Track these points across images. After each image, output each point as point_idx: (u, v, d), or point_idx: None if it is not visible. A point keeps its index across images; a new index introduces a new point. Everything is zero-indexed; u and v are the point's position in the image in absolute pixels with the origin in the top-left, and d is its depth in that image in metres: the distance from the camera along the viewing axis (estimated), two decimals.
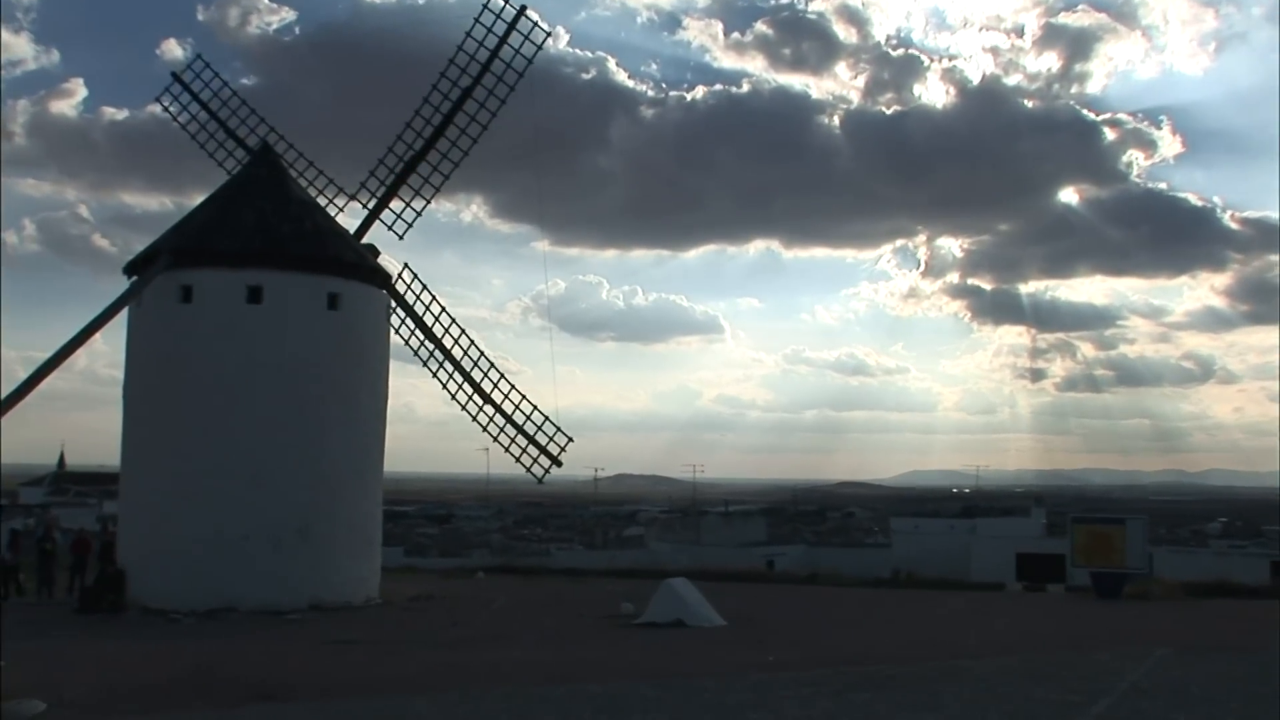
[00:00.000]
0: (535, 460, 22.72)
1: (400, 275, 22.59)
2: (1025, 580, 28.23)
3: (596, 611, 18.60)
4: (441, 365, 22.77)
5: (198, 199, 21.29)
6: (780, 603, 21.05)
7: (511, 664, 12.08)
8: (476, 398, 22.68)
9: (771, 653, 13.10)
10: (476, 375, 22.68)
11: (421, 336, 22.70)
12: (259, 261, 18.97)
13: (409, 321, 22.63)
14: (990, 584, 25.33)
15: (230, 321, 18.77)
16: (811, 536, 79.94)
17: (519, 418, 22.60)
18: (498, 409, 22.62)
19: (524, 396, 22.69)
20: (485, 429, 22.69)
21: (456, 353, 22.69)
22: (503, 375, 22.80)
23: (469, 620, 17.41)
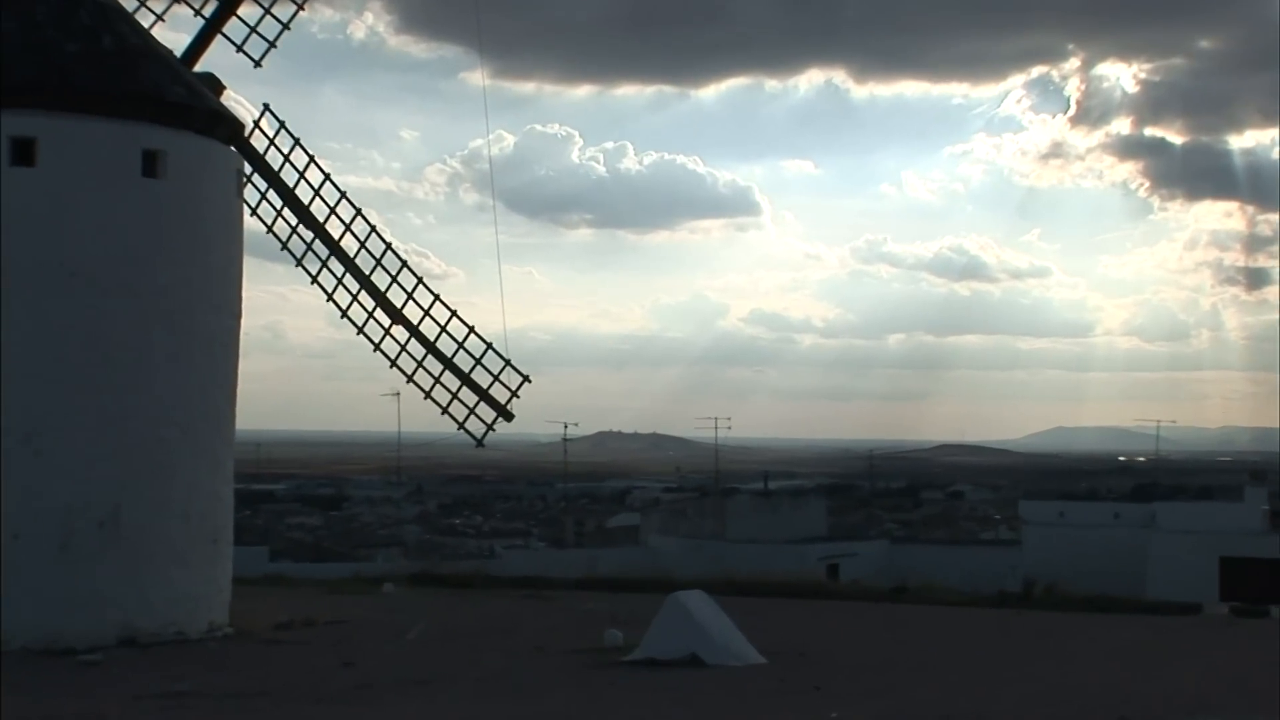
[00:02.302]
0: (472, 411, 22.66)
1: (258, 124, 22.31)
2: (1235, 600, 28.40)
3: (567, 643, 18.69)
4: (325, 265, 22.58)
5: None
6: (848, 630, 21.13)
7: None
8: (380, 315, 22.53)
9: (835, 707, 13.12)
10: (380, 281, 22.52)
11: (293, 220, 22.47)
12: (28, 99, 18.60)
13: (272, 196, 22.37)
14: (1179, 604, 25.48)
15: None
16: (897, 528, 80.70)
17: (447, 346, 22.51)
18: (413, 333, 22.49)
19: (453, 313, 22.59)
20: (394, 364, 22.59)
21: (348, 246, 22.50)
22: (421, 280, 22.64)
23: (370, 658, 17.45)
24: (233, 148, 21.11)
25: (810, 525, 50.57)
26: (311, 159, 22.42)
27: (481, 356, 22.60)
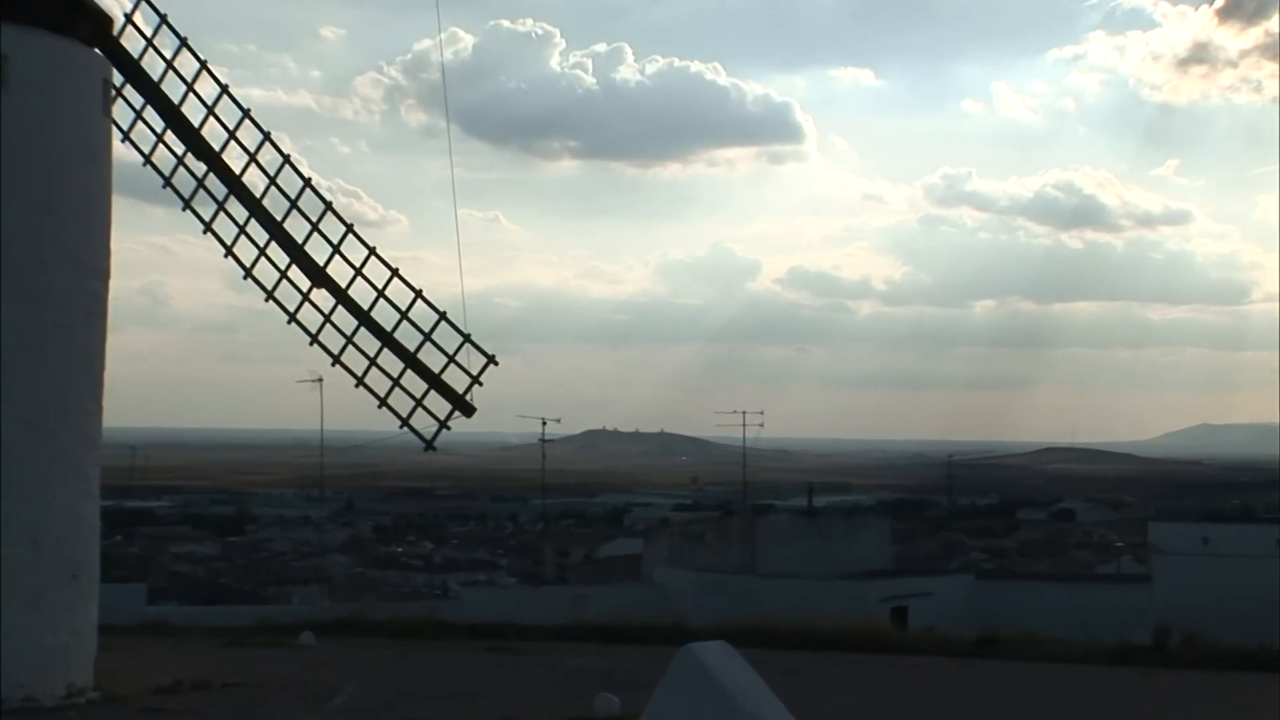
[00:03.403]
0: (419, 403, 22.63)
1: (130, 19, 22.18)
2: None
3: (546, 711, 18.76)
4: (222, 208, 22.54)
5: None
6: (920, 696, 21.15)
7: None
8: (296, 275, 22.50)
9: None
10: (296, 229, 22.47)
11: (179, 148, 22.43)
12: None
13: (151, 116, 22.34)
14: None
15: None
16: (986, 558, 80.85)
17: (386, 316, 22.46)
18: (341, 299, 22.45)
19: (394, 272, 22.52)
20: (315, 340, 22.55)
21: (253, 182, 22.44)
22: (350, 229, 22.56)
23: None
24: (98, 50, 21.06)
25: (870, 555, 50.53)
26: (203, 65, 22.33)
27: (432, 330, 22.53)
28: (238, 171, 22.46)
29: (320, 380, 50.60)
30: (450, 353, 22.55)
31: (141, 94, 22.23)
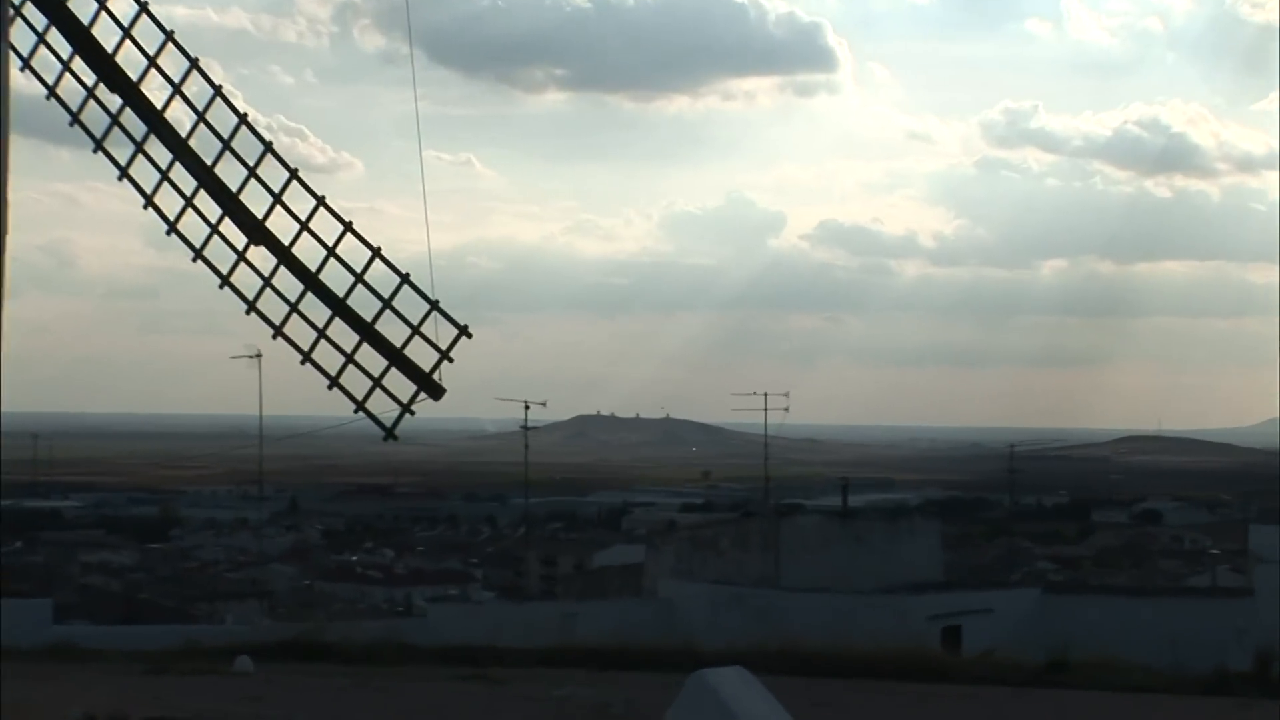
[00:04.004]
0: (377, 383, 22.64)
1: None
2: None
3: None
4: (140, 149, 22.53)
5: None
6: None
7: None
8: (230, 230, 22.48)
9: None
10: (229, 176, 22.45)
11: (89, 78, 22.41)
12: None
13: (56, 39, 22.32)
14: None
15: None
16: (1055, 568, 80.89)
17: (337, 280, 22.46)
18: (283, 258, 22.44)
19: (348, 227, 22.51)
20: (253, 307, 22.55)
21: (178, 119, 22.42)
22: (295, 174, 22.54)
23: None
24: None
25: (917, 564, 50.62)
26: None
27: (393, 296, 22.53)
28: (159, 106, 22.43)
29: (259, 356, 50.51)
30: (415, 323, 22.54)
31: (45, 13, 22.20)
